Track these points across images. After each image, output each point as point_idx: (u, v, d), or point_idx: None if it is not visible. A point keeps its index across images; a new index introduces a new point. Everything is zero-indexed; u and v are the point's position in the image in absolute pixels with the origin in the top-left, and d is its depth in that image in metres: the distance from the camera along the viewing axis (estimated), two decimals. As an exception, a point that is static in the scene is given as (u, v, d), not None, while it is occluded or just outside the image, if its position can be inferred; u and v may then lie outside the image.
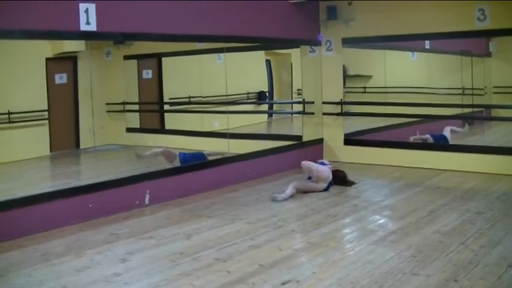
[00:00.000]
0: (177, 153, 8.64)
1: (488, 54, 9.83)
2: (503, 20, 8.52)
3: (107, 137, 9.97)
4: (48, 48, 9.05)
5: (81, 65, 9.51)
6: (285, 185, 7.82)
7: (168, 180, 7.83)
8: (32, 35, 6.35)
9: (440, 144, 9.75)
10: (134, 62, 10.42)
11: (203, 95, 10.86)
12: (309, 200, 7.52)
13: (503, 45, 9.67)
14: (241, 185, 8.55)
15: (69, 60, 9.51)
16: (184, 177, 8.05)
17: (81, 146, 9.75)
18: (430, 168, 9.20)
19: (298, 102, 10.65)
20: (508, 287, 4.51)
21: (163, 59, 10.54)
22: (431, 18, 9.15)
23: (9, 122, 8.57)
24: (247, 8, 8.88)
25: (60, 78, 9.52)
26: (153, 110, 11.22)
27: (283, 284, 4.64)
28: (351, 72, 11.16)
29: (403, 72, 11.29)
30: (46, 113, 9.11)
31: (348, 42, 10.12)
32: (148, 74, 10.69)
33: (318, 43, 10.34)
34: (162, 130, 10.92)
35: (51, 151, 9.33)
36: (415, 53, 11.05)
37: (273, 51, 12.11)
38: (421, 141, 9.97)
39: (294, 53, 11.10)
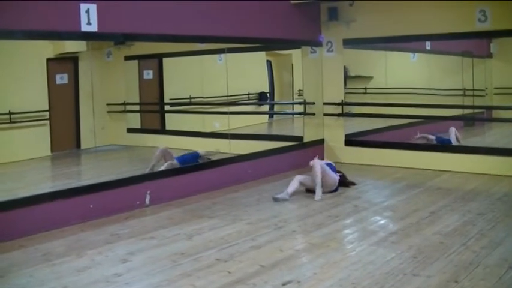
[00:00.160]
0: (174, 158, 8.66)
1: (489, 55, 9.82)
2: (504, 21, 8.51)
3: (108, 137, 9.96)
4: (49, 48, 9.05)
5: (82, 65, 9.51)
6: (286, 185, 7.81)
7: (169, 180, 7.83)
8: (33, 36, 6.36)
9: (442, 145, 9.74)
10: (135, 62, 10.42)
11: (204, 96, 10.87)
12: (310, 201, 7.52)
13: (504, 46, 9.66)
14: (242, 186, 8.55)
15: (70, 61, 9.51)
16: (185, 177, 8.05)
17: (82, 147, 9.75)
18: (431, 169, 9.20)
19: (299, 103, 10.64)
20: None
21: (164, 60, 10.54)
22: (432, 19, 9.15)
23: (10, 122, 8.57)
24: (248, 9, 8.88)
25: (61, 79, 9.52)
26: (153, 111, 11.22)
27: (284, 284, 4.64)
28: (351, 73, 11.16)
29: (404, 73, 11.29)
30: (47, 113, 9.11)
31: (349, 43, 10.12)
32: (149, 74, 10.69)
33: (319, 44, 10.34)
34: (163, 131, 10.92)
35: (52, 151, 9.33)
36: (416, 54, 11.05)
37: (274, 52, 12.12)
38: (426, 141, 9.94)
39: (295, 54, 11.11)
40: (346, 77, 10.72)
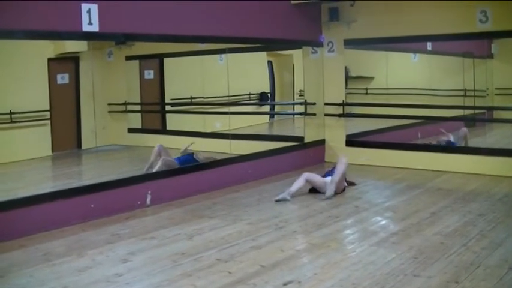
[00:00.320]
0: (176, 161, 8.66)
1: (490, 56, 9.82)
2: (506, 22, 8.51)
3: (109, 137, 9.98)
4: (50, 48, 9.06)
5: (83, 65, 9.52)
6: (287, 185, 7.81)
7: (170, 180, 7.83)
8: (34, 35, 6.36)
9: (442, 146, 9.74)
10: (136, 62, 10.43)
11: (205, 96, 10.88)
12: (311, 201, 7.52)
13: (505, 47, 9.66)
14: (242, 186, 8.55)
15: (71, 61, 9.52)
16: (185, 177, 8.05)
17: (83, 147, 9.76)
18: (432, 170, 9.19)
19: (300, 103, 10.64)
20: (510, 288, 4.52)
21: (165, 60, 10.55)
22: (433, 20, 9.15)
23: (11, 122, 8.58)
24: (249, 9, 8.88)
25: (62, 79, 9.53)
26: (154, 111, 11.23)
27: (284, 284, 4.64)
28: (352, 74, 11.16)
29: (405, 73, 11.29)
30: (48, 113, 9.12)
31: (350, 43, 10.12)
32: (150, 74, 10.69)
33: (320, 44, 10.34)
34: (163, 131, 10.92)
35: (52, 151, 9.34)
36: (417, 55, 11.05)
37: (274, 52, 12.13)
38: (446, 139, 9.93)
39: (296, 54, 11.12)
40: (347, 78, 10.72)
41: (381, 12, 9.60)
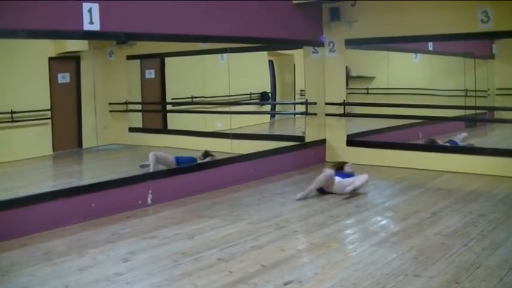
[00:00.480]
0: (173, 158, 8.64)
1: (492, 56, 9.81)
2: (507, 22, 8.50)
3: (110, 136, 9.99)
4: (51, 47, 9.07)
5: (84, 64, 9.53)
6: (287, 185, 7.81)
7: (171, 180, 7.84)
8: (36, 35, 6.36)
9: (443, 146, 9.74)
10: (137, 62, 10.44)
11: (206, 95, 10.88)
12: (311, 201, 7.52)
13: (506, 47, 9.65)
14: (243, 186, 8.55)
15: (72, 60, 9.53)
16: (186, 177, 8.05)
17: (84, 146, 9.77)
18: (433, 170, 9.19)
19: (301, 103, 10.65)
20: (510, 289, 4.52)
21: (166, 59, 10.55)
22: (434, 20, 9.14)
23: (12, 121, 8.59)
24: (251, 9, 8.88)
25: (63, 78, 9.54)
26: (155, 110, 11.23)
27: (285, 284, 4.64)
28: (353, 74, 11.15)
29: (406, 73, 11.29)
30: (49, 112, 9.13)
31: (351, 43, 10.12)
32: (151, 74, 10.70)
33: (321, 44, 10.34)
34: (164, 130, 10.93)
35: (53, 150, 9.35)
36: (418, 55, 11.05)
37: (276, 52, 12.14)
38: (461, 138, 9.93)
39: (297, 54, 11.12)
40: (348, 77, 10.71)
41: (382, 12, 9.60)
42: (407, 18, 9.34)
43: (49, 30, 6.41)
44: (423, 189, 8.14)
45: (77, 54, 9.42)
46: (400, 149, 9.82)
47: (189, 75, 10.99)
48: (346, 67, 10.52)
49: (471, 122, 10.42)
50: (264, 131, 11.92)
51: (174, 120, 11.02)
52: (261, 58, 12.02)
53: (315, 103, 10.35)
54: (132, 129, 10.44)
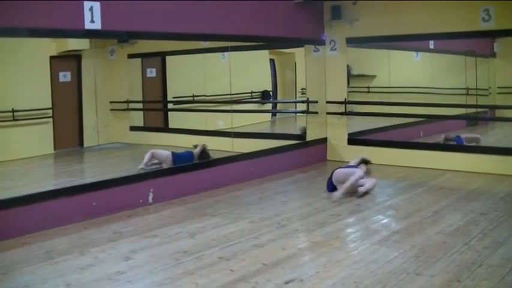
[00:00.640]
0: (170, 153, 8.63)
1: (493, 55, 9.80)
2: (508, 21, 8.49)
3: (111, 135, 9.98)
4: (52, 46, 9.06)
5: (85, 63, 9.52)
6: (288, 184, 7.81)
7: (172, 178, 7.84)
8: (37, 33, 6.36)
9: (445, 144, 9.73)
10: (138, 60, 10.42)
11: (207, 94, 10.87)
12: (313, 200, 7.52)
13: (507, 45, 9.63)
14: (245, 184, 8.55)
15: (73, 59, 9.52)
16: (187, 175, 8.05)
17: (85, 144, 9.76)
18: (434, 169, 9.19)
19: (302, 102, 10.65)
20: None
21: (168, 58, 10.54)
22: (435, 19, 9.14)
23: (13, 120, 8.58)
24: (252, 7, 8.88)
25: (64, 76, 9.53)
26: (157, 109, 11.22)
27: (286, 283, 4.64)
28: (355, 72, 11.14)
29: (407, 72, 11.27)
30: (50, 111, 9.12)
31: (352, 42, 10.12)
32: (152, 72, 10.69)
33: (322, 43, 10.33)
34: (165, 129, 10.92)
35: (55, 149, 9.34)
36: (419, 53, 11.04)
37: (277, 50, 12.11)
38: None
39: (298, 53, 11.09)
40: (349, 76, 10.70)
41: (383, 10, 9.59)
42: (409, 17, 9.34)
43: (50, 29, 6.42)
44: (425, 187, 8.14)
45: (78, 53, 9.42)
46: (401, 147, 9.82)
47: (190, 73, 10.98)
48: (348, 65, 10.51)
49: (472, 120, 10.41)
50: (265, 129, 11.91)
51: (175, 119, 11.01)
52: (262, 57, 12.01)
53: (316, 102, 10.35)
54: (133, 128, 10.44)
